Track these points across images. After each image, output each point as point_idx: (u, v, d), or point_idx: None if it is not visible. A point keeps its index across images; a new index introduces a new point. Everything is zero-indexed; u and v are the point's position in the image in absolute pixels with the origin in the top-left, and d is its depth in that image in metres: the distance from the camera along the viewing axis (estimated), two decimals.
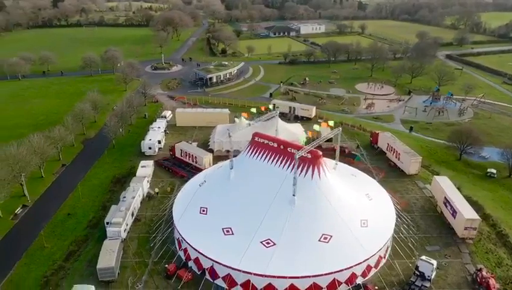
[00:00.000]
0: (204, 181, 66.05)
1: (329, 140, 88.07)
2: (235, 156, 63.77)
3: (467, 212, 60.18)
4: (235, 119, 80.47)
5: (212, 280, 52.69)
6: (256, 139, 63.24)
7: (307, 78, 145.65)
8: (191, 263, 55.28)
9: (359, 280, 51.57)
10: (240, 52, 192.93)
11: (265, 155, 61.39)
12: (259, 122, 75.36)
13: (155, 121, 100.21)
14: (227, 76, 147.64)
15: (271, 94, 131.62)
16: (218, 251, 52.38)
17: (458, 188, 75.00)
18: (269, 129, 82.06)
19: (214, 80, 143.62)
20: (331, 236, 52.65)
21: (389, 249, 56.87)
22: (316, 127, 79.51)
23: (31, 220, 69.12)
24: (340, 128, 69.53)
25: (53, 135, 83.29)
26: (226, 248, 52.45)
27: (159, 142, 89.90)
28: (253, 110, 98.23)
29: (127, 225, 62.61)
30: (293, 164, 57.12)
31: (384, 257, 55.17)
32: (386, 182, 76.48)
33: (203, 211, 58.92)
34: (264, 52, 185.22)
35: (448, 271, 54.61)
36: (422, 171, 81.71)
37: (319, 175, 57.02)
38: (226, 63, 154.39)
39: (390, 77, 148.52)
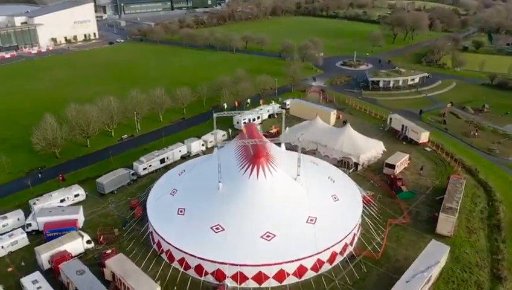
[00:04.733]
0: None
1: (391, 166, 78.82)
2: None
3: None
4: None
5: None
6: (243, 130, 66.84)
7: (486, 106, 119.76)
8: None
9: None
10: (453, 65, 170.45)
11: (238, 147, 64.70)
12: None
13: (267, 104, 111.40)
14: (399, 83, 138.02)
15: (421, 111, 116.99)
16: (154, 205, 62.21)
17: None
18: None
19: (381, 84, 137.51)
20: (224, 229, 54.13)
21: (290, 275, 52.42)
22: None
23: (127, 146, 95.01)
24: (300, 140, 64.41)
25: (176, 93, 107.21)
26: (159, 207, 61.40)
27: (249, 120, 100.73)
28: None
29: (150, 166, 79.42)
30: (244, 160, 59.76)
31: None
32: (401, 229, 64.65)
33: (180, 174, 69.03)
34: (474, 69, 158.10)
35: None
36: (474, 240, 62.76)
37: (249, 175, 57.64)
38: (403, 70, 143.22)
39: None
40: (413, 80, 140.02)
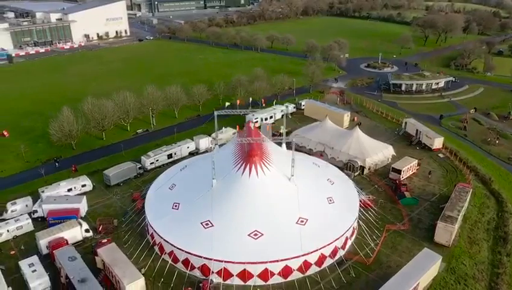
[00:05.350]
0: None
1: (397, 171, 77.28)
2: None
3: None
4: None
5: None
6: (243, 128, 67.42)
7: None
8: None
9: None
10: (484, 69, 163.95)
11: (236, 145, 65.24)
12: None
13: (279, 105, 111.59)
14: (422, 87, 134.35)
15: (441, 116, 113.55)
16: (153, 199, 64.00)
17: None
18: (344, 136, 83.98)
19: (403, 87, 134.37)
20: (213, 225, 55.02)
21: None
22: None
23: (141, 140, 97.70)
24: (294, 140, 63.65)
25: (192, 90, 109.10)
26: (157, 201, 63.08)
27: (261, 120, 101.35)
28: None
29: (157, 160, 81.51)
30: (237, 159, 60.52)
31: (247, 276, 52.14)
32: (398, 235, 63.51)
33: (181, 169, 70.43)
34: (506, 74, 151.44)
35: None
36: (475, 251, 60.61)
37: (242, 173, 58.30)
38: (427, 73, 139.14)
39: None
40: (437, 83, 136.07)
